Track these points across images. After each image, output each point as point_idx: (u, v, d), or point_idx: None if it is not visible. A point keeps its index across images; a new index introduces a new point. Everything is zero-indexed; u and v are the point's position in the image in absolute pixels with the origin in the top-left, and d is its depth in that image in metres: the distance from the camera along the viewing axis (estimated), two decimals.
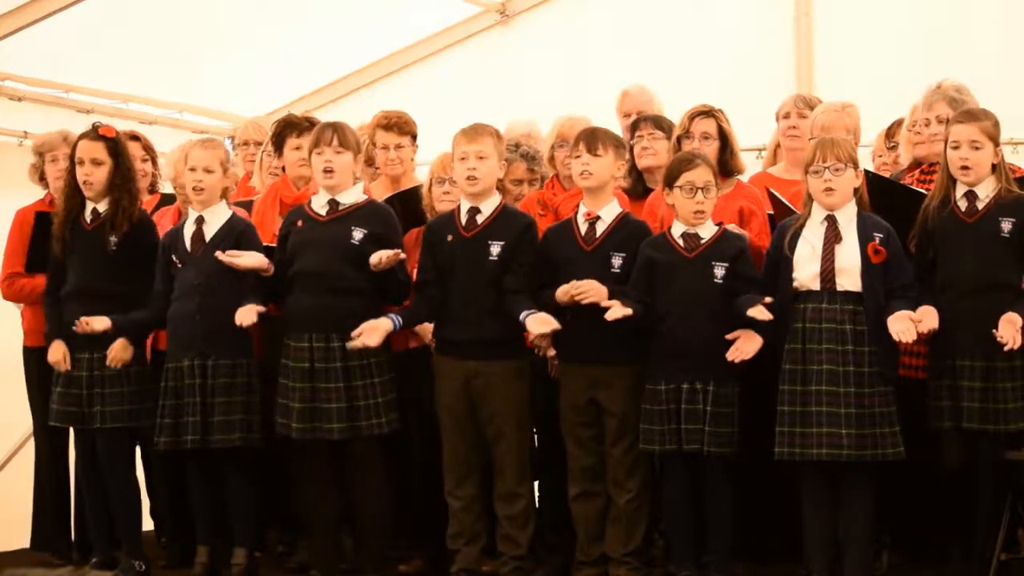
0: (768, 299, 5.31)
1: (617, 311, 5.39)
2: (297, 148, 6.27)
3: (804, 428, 5.30)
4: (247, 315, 5.68)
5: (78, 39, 8.19)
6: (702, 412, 5.42)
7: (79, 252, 6.01)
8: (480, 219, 5.72)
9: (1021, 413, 5.33)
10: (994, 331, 5.20)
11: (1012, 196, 5.41)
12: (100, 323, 5.85)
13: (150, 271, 6.00)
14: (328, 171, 5.76)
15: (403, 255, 5.68)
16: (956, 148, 5.44)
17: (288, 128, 6.34)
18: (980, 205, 5.43)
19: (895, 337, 5.24)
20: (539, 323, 5.46)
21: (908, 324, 5.23)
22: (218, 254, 5.78)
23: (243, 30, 8.90)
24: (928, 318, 5.30)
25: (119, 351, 5.92)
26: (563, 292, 5.51)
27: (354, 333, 5.56)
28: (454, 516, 5.75)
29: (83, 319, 5.83)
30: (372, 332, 5.59)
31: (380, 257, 5.61)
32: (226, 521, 5.97)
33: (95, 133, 6.07)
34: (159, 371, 6.00)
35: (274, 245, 5.91)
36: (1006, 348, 5.19)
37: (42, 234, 6.36)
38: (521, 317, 5.51)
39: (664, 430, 5.46)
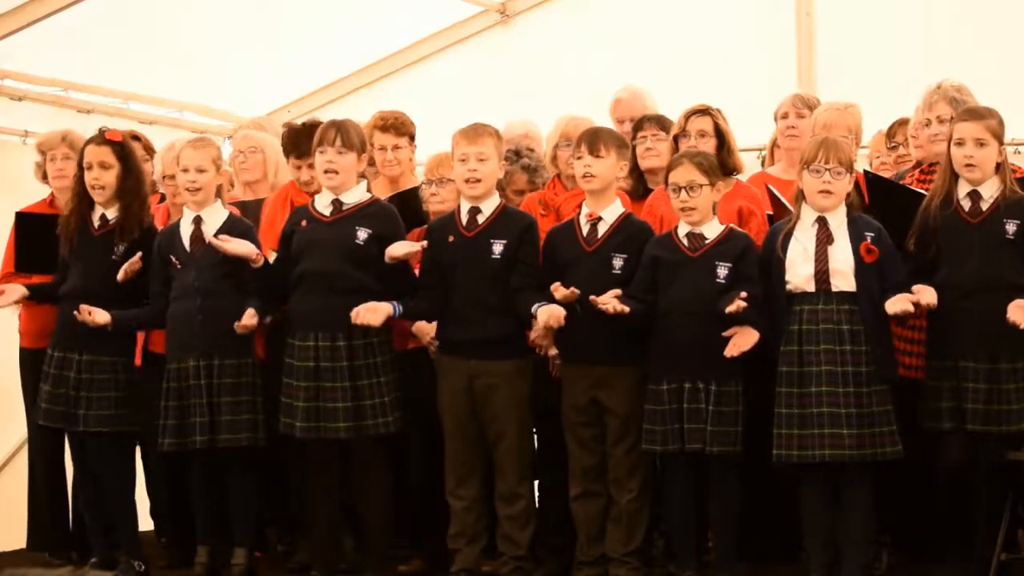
0: (743, 293, 5.30)
1: (615, 304, 5.39)
2: (298, 167, 6.30)
3: (804, 430, 5.29)
4: (247, 320, 5.69)
5: (78, 38, 8.19)
6: (704, 411, 5.42)
7: (84, 257, 5.99)
8: (481, 219, 5.72)
9: None
10: (1007, 317, 5.20)
11: (1017, 197, 5.41)
12: (101, 316, 5.83)
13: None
14: (330, 172, 5.74)
15: (423, 245, 5.67)
16: (960, 145, 5.42)
17: (290, 145, 6.34)
18: (984, 206, 5.42)
19: (892, 312, 5.24)
20: (548, 313, 5.43)
21: (906, 304, 5.24)
22: (209, 238, 5.77)
23: (243, 30, 8.90)
24: (925, 293, 5.29)
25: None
26: (563, 295, 5.51)
27: (355, 311, 5.54)
28: (455, 516, 5.75)
29: (84, 307, 5.79)
30: (373, 312, 5.57)
31: (400, 250, 5.61)
32: (226, 521, 5.96)
33: (102, 137, 6.04)
34: (152, 373, 6.01)
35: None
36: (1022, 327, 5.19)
37: (22, 234, 6.35)
38: (533, 309, 5.50)
39: (667, 430, 5.46)
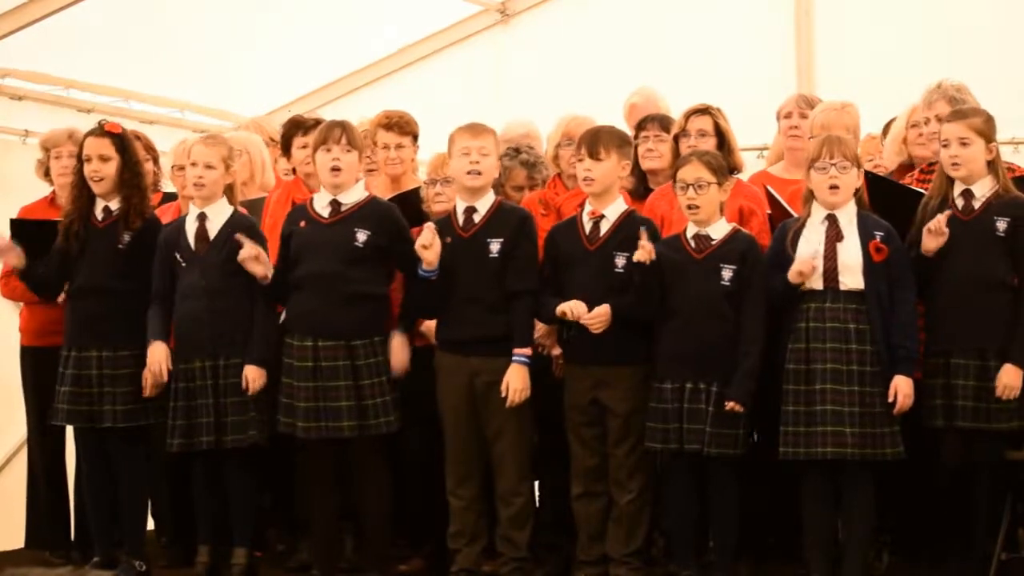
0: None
1: (647, 251, 5.42)
2: (304, 147, 6.26)
3: (809, 428, 5.31)
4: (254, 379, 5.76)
5: (79, 38, 8.20)
6: (704, 412, 5.43)
7: (89, 250, 5.97)
8: (477, 218, 5.72)
9: (1013, 412, 5.35)
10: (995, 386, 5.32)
11: (1009, 195, 5.43)
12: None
13: None
14: (335, 170, 5.73)
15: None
16: (946, 146, 5.47)
17: (294, 128, 6.35)
18: (976, 204, 5.44)
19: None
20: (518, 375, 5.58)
21: (904, 401, 5.32)
22: (238, 236, 5.71)
23: (243, 30, 8.91)
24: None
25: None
26: (566, 310, 5.52)
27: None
28: (455, 516, 5.75)
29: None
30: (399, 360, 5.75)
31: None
32: (227, 521, 5.95)
33: (101, 130, 6.05)
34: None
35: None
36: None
37: (18, 242, 6.32)
38: (513, 359, 5.58)
39: (667, 429, 5.47)
